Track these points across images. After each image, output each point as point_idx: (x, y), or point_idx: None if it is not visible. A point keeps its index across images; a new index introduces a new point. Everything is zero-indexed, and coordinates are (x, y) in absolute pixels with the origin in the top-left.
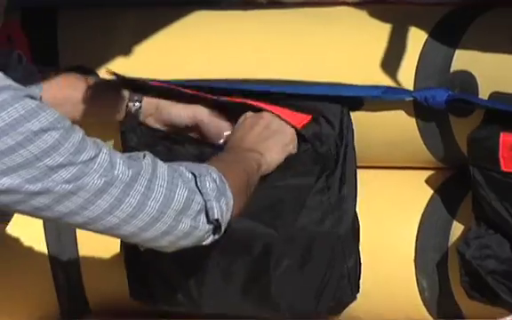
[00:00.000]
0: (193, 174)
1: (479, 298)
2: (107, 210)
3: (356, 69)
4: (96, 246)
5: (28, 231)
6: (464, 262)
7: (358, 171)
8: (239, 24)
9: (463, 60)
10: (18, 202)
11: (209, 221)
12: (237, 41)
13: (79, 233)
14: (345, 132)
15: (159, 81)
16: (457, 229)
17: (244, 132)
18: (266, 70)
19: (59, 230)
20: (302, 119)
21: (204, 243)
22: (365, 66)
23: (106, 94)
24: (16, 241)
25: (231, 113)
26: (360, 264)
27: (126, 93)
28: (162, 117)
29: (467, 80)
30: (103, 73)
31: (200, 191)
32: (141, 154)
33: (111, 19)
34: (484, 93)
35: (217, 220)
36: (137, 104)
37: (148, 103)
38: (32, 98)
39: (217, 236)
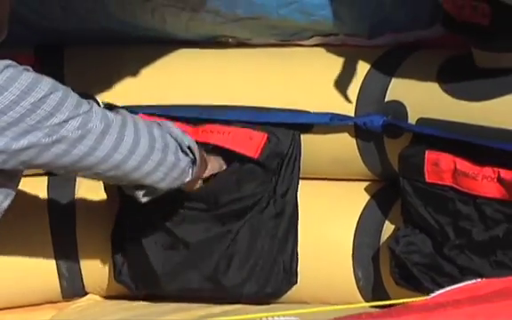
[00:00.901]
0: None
1: (406, 285)
2: (112, 147)
3: (308, 98)
4: (91, 240)
5: (35, 225)
6: (394, 256)
7: (307, 182)
8: (212, 60)
9: (395, 91)
10: (39, 154)
11: (184, 152)
12: (210, 73)
13: (78, 228)
14: (294, 151)
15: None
16: (388, 230)
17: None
18: (233, 98)
19: (62, 225)
20: (258, 144)
21: (187, 178)
22: (315, 96)
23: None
24: (23, 233)
25: None
26: (297, 259)
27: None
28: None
29: (398, 108)
30: (102, 98)
31: (171, 136)
32: (117, 108)
33: (109, 54)
34: (412, 119)
35: (189, 148)
36: None
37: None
38: (29, 71)
39: (195, 168)
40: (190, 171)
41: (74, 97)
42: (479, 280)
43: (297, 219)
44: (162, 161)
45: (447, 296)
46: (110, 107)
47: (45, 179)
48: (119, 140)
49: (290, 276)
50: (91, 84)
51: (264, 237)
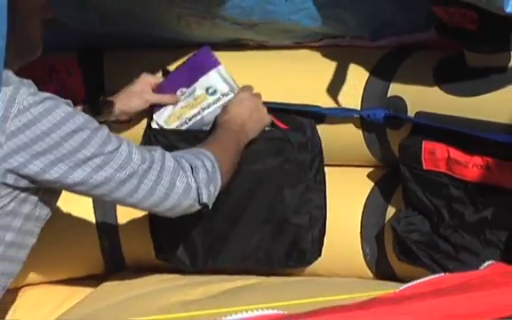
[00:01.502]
0: (190, 166)
1: (406, 260)
2: (128, 194)
3: (320, 94)
4: (130, 219)
5: (80, 208)
6: (396, 235)
7: None
8: (236, 60)
9: (396, 88)
10: (62, 186)
11: (199, 203)
12: (234, 72)
13: (118, 209)
14: (316, 138)
15: None
16: (391, 211)
17: (239, 111)
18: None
19: (104, 208)
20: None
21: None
22: (326, 91)
23: None
24: (70, 216)
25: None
26: (324, 236)
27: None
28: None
29: (399, 103)
30: None
31: (195, 180)
32: (155, 148)
33: (143, 56)
34: (411, 112)
35: (205, 203)
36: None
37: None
38: (68, 104)
39: (205, 210)
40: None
41: (103, 133)
42: (443, 274)
43: (325, 198)
44: (175, 207)
45: (413, 289)
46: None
47: None
48: (136, 188)
49: (316, 250)
50: (128, 82)
51: (301, 210)
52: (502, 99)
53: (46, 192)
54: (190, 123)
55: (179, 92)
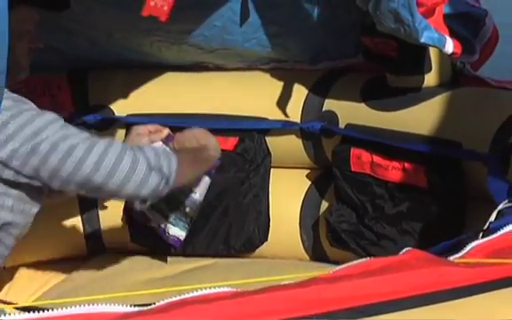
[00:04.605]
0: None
1: (337, 245)
2: (94, 168)
3: (267, 109)
4: (110, 208)
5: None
6: (329, 224)
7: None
8: (196, 79)
9: (330, 104)
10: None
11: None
12: (194, 90)
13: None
14: (262, 146)
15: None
16: (324, 205)
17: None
18: (212, 108)
19: (87, 199)
20: (234, 142)
21: (160, 193)
22: (272, 107)
23: None
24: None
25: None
26: (269, 225)
27: None
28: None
29: (332, 116)
30: (116, 107)
31: (144, 156)
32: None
33: (121, 75)
34: (342, 124)
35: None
36: None
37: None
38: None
39: (166, 189)
40: (164, 189)
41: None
42: (369, 259)
43: (268, 196)
44: (143, 183)
45: (345, 271)
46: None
47: None
48: (99, 162)
49: (262, 236)
50: (107, 97)
51: (247, 206)
52: (417, 113)
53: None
54: None
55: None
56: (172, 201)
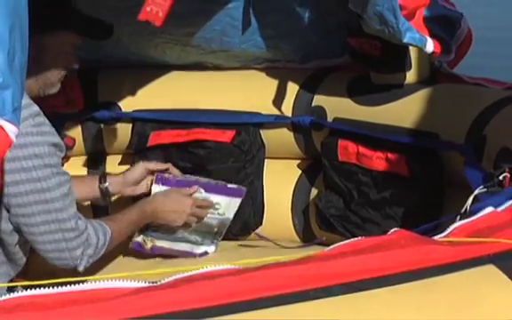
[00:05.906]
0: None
1: (325, 229)
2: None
3: (261, 104)
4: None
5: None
6: (318, 210)
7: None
8: (197, 78)
9: (319, 99)
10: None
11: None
12: (195, 88)
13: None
14: (257, 138)
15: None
16: (314, 192)
17: (163, 201)
18: (212, 104)
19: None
20: (231, 135)
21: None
22: (266, 102)
23: (84, 184)
24: None
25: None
26: (263, 210)
27: (96, 179)
28: (127, 183)
29: (321, 111)
30: (122, 104)
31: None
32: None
33: (128, 74)
34: (330, 118)
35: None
36: (104, 184)
37: (115, 181)
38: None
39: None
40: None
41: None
42: (360, 238)
43: (262, 184)
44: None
45: (337, 249)
46: None
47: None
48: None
49: (257, 221)
50: (115, 95)
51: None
52: (399, 108)
53: None
54: None
55: (195, 187)
56: (199, 228)
